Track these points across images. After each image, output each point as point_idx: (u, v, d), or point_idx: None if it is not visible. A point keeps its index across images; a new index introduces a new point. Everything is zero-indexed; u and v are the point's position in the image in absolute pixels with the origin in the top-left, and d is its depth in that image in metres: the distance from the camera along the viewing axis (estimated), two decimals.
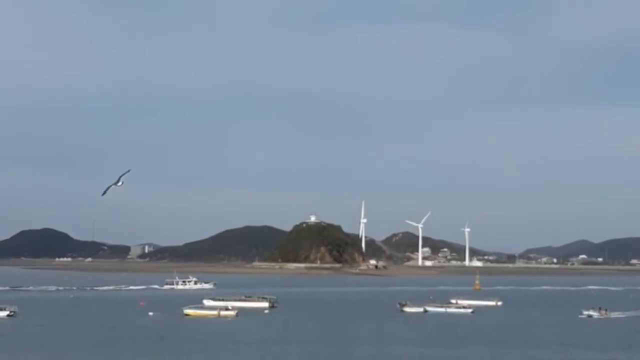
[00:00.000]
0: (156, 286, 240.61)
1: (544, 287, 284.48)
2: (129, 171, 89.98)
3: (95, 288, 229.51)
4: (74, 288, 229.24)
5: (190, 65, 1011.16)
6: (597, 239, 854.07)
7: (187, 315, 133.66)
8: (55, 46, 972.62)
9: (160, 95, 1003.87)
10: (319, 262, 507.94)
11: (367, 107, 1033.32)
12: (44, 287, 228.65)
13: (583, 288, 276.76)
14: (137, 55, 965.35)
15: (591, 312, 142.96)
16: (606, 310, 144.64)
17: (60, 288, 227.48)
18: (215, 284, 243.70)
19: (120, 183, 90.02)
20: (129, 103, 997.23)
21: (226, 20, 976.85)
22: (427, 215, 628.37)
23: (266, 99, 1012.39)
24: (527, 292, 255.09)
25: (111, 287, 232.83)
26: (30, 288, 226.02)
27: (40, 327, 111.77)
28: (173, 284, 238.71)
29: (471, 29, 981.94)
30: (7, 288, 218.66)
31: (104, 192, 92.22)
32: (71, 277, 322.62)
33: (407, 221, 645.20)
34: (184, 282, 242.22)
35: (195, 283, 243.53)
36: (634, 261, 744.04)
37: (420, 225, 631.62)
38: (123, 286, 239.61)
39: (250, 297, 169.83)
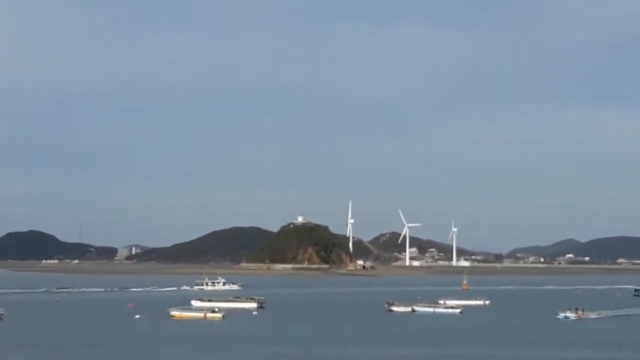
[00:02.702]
0: (186, 287, 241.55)
1: (531, 287, 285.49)
2: None
3: (131, 289, 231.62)
4: (116, 289, 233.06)
5: (183, 63, 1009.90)
6: (583, 238, 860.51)
7: (172, 316, 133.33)
8: (46, 44, 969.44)
9: (150, 94, 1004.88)
10: (306, 262, 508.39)
11: (358, 106, 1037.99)
12: (89, 289, 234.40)
13: (570, 288, 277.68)
14: (131, 53, 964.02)
15: (568, 314, 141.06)
16: (583, 310, 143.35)
17: (96, 289, 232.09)
18: (242, 285, 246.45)
19: None
20: (119, 102, 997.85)
21: (222, 18, 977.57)
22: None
23: (256, 99, 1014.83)
24: (514, 291, 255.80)
25: (146, 289, 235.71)
26: (82, 289, 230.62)
27: (26, 330, 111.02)
28: (203, 285, 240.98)
29: (466, 26, 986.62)
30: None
31: None
32: (81, 279, 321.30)
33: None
34: (213, 283, 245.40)
35: (224, 284, 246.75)
36: (620, 260, 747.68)
37: (407, 226, 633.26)
38: (154, 288, 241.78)
39: (238, 297, 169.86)
